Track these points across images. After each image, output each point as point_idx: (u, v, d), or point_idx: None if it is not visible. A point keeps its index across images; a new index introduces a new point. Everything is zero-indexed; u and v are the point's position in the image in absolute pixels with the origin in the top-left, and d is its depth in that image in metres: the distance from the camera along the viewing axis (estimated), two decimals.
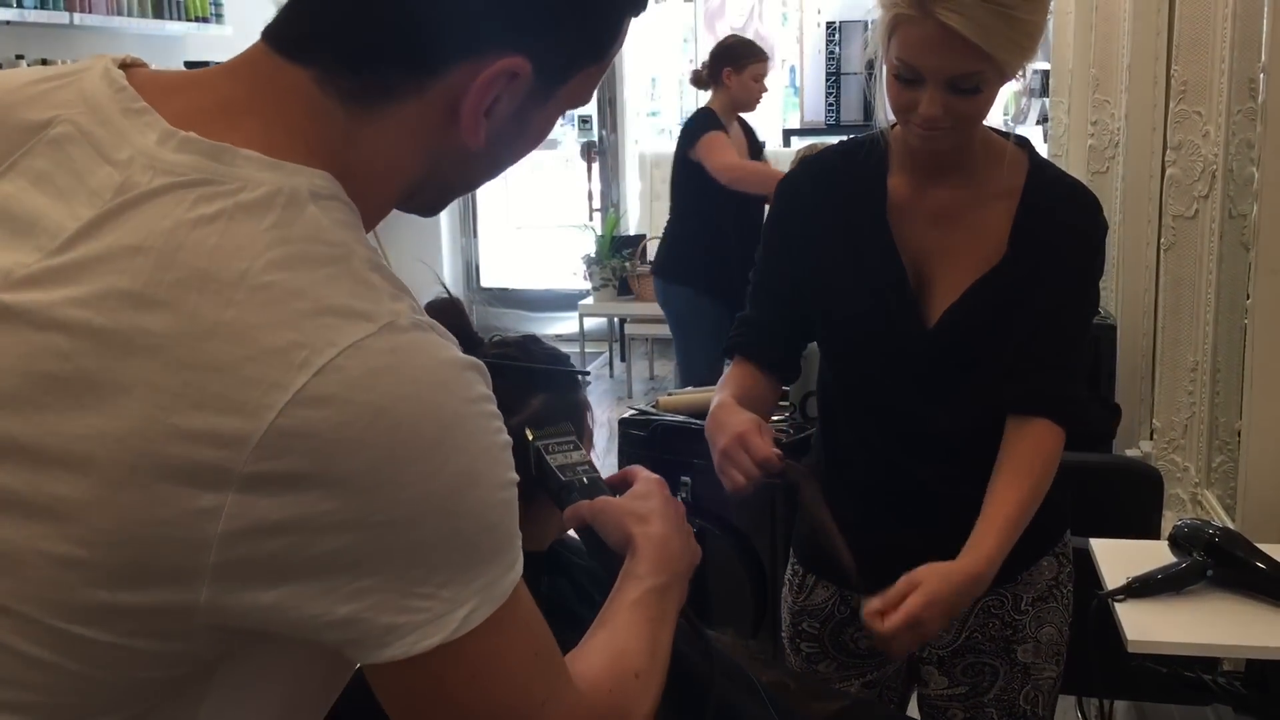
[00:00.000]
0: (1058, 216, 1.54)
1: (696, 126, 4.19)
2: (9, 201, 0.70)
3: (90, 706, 0.69)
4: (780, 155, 7.06)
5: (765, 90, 4.27)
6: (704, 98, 4.35)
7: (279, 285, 0.66)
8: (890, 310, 1.54)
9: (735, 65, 4.14)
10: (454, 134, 0.75)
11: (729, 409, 1.50)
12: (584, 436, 1.19)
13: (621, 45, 0.81)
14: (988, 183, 1.55)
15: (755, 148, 4.36)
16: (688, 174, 4.16)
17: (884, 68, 1.48)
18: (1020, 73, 1.44)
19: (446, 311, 1.19)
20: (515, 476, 0.72)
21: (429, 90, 0.73)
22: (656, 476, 1.06)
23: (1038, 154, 1.60)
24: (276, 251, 0.67)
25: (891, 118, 1.52)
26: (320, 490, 0.64)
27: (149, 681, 0.70)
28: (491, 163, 0.81)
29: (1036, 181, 1.55)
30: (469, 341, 1.19)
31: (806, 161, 1.66)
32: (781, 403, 2.66)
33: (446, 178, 0.80)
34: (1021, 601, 1.63)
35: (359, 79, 0.72)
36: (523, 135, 0.80)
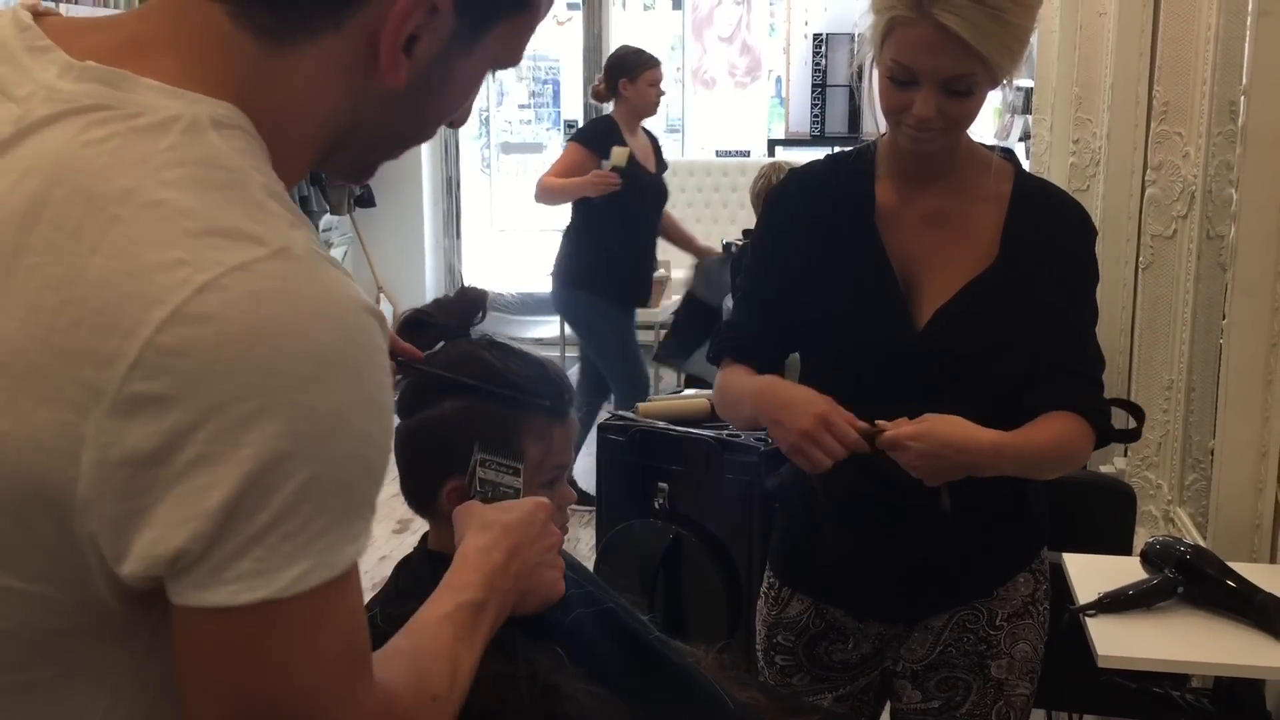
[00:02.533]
0: (1048, 221, 1.56)
1: (579, 130, 4.39)
2: None
3: (7, 660, 0.68)
4: (764, 165, 7.09)
5: (663, 94, 4.31)
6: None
7: (168, 204, 0.64)
8: (879, 314, 1.56)
9: (630, 75, 4.20)
10: (375, 77, 0.73)
11: (784, 386, 1.51)
12: (559, 445, 1.18)
13: (549, 5, 0.79)
14: (974, 188, 1.57)
15: (660, 155, 4.40)
16: None
17: (874, 75, 1.50)
18: (1006, 81, 1.46)
19: (468, 297, 1.19)
20: (388, 445, 0.70)
21: (346, 24, 0.71)
22: (540, 500, 1.04)
23: (1021, 165, 1.63)
24: (169, 173, 0.65)
25: (882, 126, 1.54)
26: (192, 415, 0.61)
27: (58, 635, 0.67)
28: (416, 114, 0.78)
29: (1023, 188, 1.58)
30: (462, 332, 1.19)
31: (794, 171, 1.68)
32: None
33: (370, 130, 0.77)
34: (996, 617, 1.63)
35: (274, 12, 0.70)
36: (447, 84, 0.77)
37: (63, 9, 4.48)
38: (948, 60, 1.41)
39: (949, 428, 1.43)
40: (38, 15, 0.73)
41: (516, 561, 0.97)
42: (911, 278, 1.56)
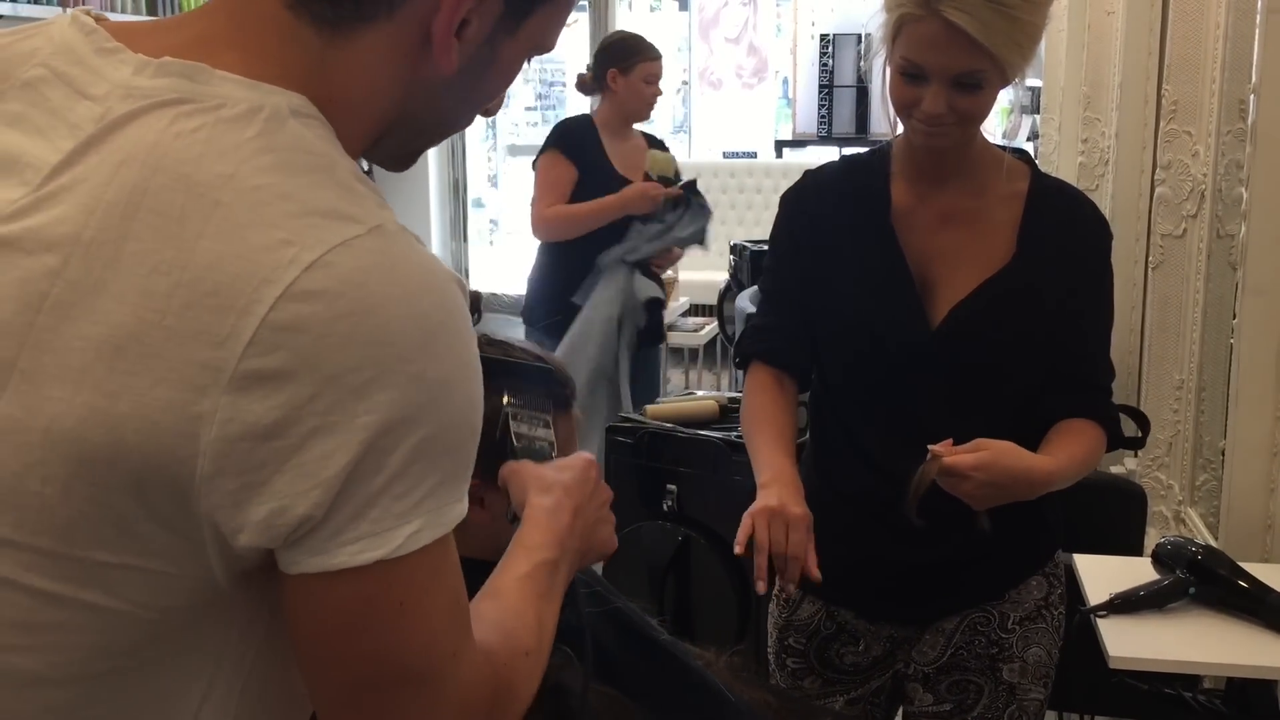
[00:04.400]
0: (1065, 222, 1.57)
1: (551, 134, 3.45)
2: None
3: (112, 645, 0.69)
4: (772, 167, 7.09)
5: (659, 94, 3.48)
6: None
7: (266, 188, 0.66)
8: (894, 313, 1.56)
9: (621, 65, 3.39)
10: (427, 61, 0.75)
11: (777, 479, 1.48)
12: (564, 436, 1.18)
13: None
14: (990, 187, 1.57)
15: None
16: None
17: (886, 72, 1.51)
18: (1018, 79, 1.47)
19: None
20: (483, 407, 0.72)
21: (399, 10, 0.73)
22: (590, 458, 1.04)
23: (1036, 165, 1.63)
24: (262, 159, 0.67)
25: (898, 127, 1.54)
26: (309, 388, 0.64)
27: (171, 612, 0.69)
28: (462, 98, 0.81)
29: (1040, 187, 1.58)
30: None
31: (810, 172, 1.69)
32: None
33: (418, 115, 0.79)
34: (1009, 620, 1.63)
35: (329, 1, 0.72)
36: (491, 67, 0.79)
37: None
38: (956, 57, 1.41)
39: (1011, 460, 1.43)
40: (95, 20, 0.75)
41: (580, 520, 0.98)
42: (927, 276, 1.56)
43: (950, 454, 1.41)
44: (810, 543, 1.43)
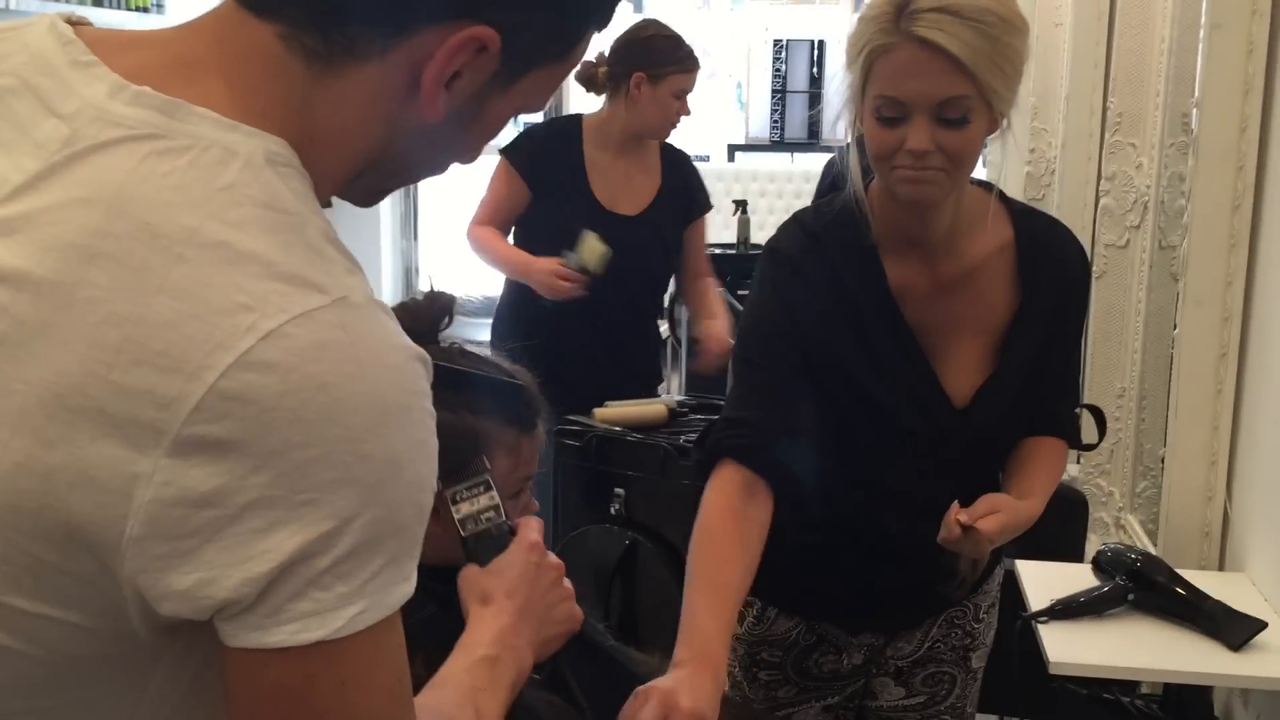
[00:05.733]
0: (1056, 264, 1.52)
1: (516, 136, 2.87)
2: None
3: (26, 686, 0.68)
4: (724, 171, 7.11)
5: (687, 113, 2.80)
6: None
7: (231, 246, 0.64)
8: (915, 394, 1.49)
9: (652, 72, 2.72)
10: (413, 106, 0.73)
11: (692, 598, 1.31)
12: (528, 454, 1.18)
13: (582, 54, 0.81)
14: (978, 244, 1.49)
15: (671, 195, 2.90)
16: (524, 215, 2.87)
17: (852, 134, 1.42)
18: (1005, 121, 1.38)
19: (437, 302, 1.18)
20: (435, 488, 0.71)
21: (392, 52, 0.71)
22: (528, 539, 1.05)
23: (1009, 198, 1.56)
24: (231, 213, 0.65)
25: (860, 193, 1.46)
26: (252, 460, 0.62)
27: (87, 660, 0.68)
28: (443, 146, 0.79)
29: (1028, 233, 1.51)
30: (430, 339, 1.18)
31: (790, 250, 1.51)
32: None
33: (397, 158, 0.77)
34: (979, 610, 1.66)
35: (324, 35, 0.70)
36: (478, 122, 0.78)
37: (11, 2, 4.41)
38: (935, 81, 1.31)
39: (1013, 516, 1.41)
40: (73, 25, 0.72)
41: (526, 619, 1.00)
42: (936, 350, 1.49)
43: (975, 521, 1.37)
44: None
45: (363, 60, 0.71)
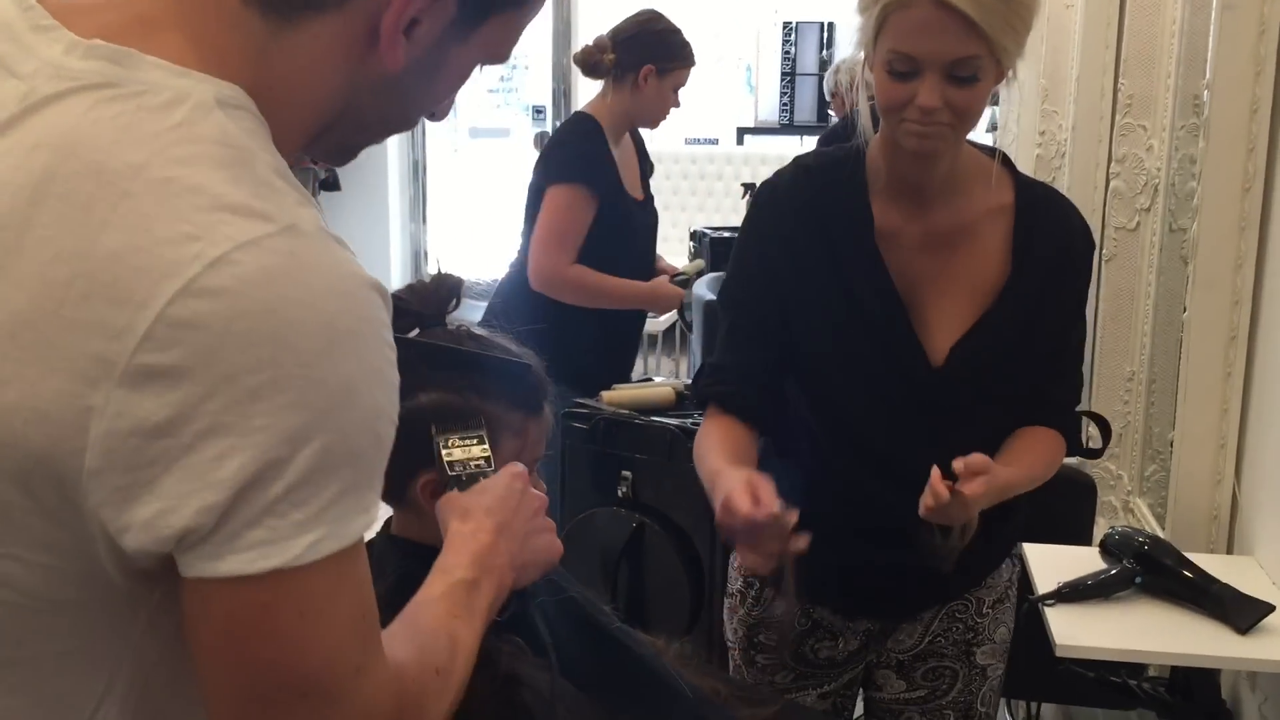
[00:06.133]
0: (1055, 235, 1.50)
1: (570, 158, 2.82)
2: None
3: (10, 634, 0.68)
4: (733, 154, 7.09)
5: (678, 106, 2.93)
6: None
7: (178, 180, 0.65)
8: (890, 349, 1.47)
9: (660, 65, 2.83)
10: (373, 57, 0.74)
11: (723, 477, 1.35)
12: (534, 437, 1.18)
13: (541, 3, 0.81)
14: (976, 201, 1.49)
15: (646, 171, 3.02)
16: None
17: (862, 84, 1.43)
18: (1011, 73, 1.39)
19: (445, 285, 1.18)
20: (395, 416, 0.71)
21: (350, 2, 0.72)
22: (513, 469, 1.04)
23: (1015, 167, 1.56)
24: (178, 150, 0.65)
25: (865, 133, 1.47)
26: (203, 387, 0.62)
27: (62, 605, 0.68)
28: (407, 99, 0.80)
29: (1028, 199, 1.51)
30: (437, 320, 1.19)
31: (781, 182, 1.53)
32: None
33: (362, 111, 0.78)
34: (983, 605, 1.65)
35: None
36: (439, 71, 0.78)
37: None
38: (949, 42, 1.32)
39: (999, 481, 1.39)
40: None
41: (505, 539, 0.98)
42: (918, 304, 1.47)
43: (967, 487, 1.35)
44: (761, 489, 1.28)
45: (320, 11, 0.72)
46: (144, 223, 0.63)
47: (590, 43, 2.87)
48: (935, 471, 1.36)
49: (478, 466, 1.06)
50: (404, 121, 0.83)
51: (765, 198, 1.54)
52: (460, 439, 1.08)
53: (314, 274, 0.66)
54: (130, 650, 0.71)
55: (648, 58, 2.81)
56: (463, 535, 0.97)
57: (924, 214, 1.48)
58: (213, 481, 0.63)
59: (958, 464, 1.35)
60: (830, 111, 5.28)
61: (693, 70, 2.92)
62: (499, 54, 0.81)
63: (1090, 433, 1.71)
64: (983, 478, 1.35)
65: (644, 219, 2.95)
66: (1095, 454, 1.70)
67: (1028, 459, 1.49)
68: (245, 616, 0.66)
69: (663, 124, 2.96)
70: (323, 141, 0.80)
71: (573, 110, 4.56)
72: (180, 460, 0.63)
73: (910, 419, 1.50)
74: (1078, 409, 1.62)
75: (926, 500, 1.35)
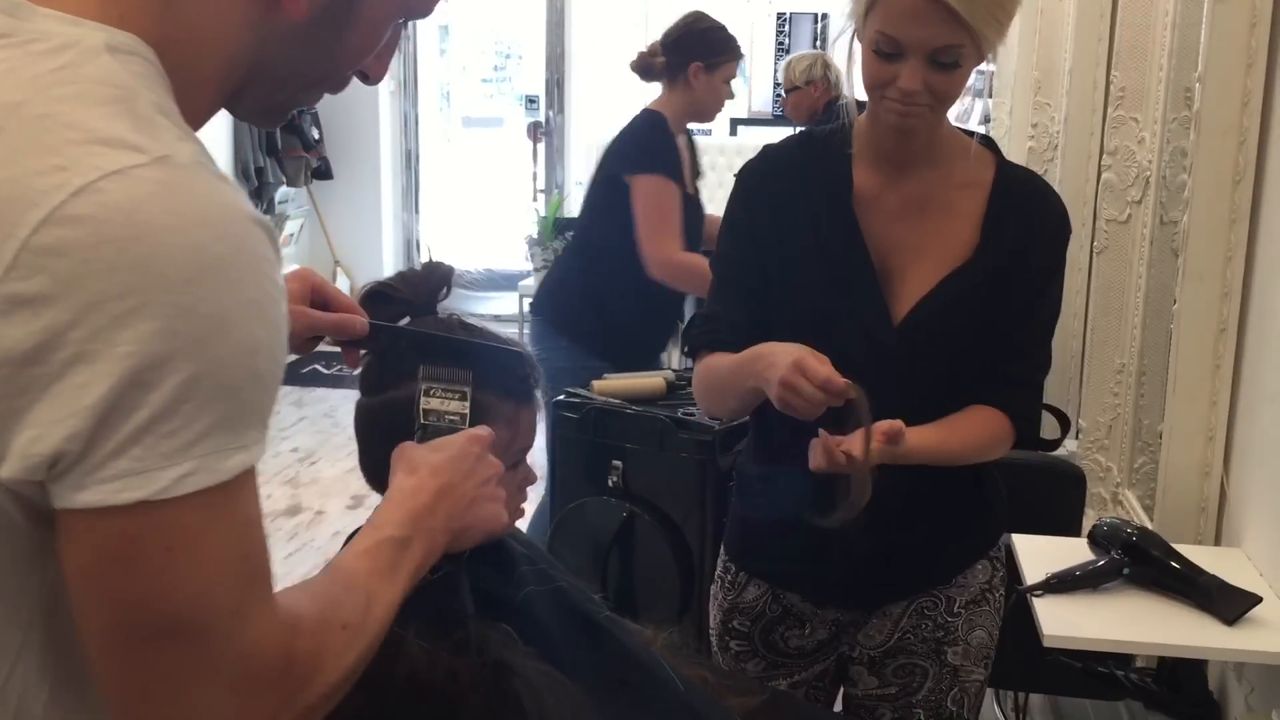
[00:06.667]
0: (1028, 214, 1.54)
1: (647, 149, 2.97)
2: None
3: None
4: (726, 145, 7.08)
5: (732, 96, 3.18)
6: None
7: (53, 117, 0.65)
8: (858, 307, 1.52)
9: (709, 61, 3.04)
10: (278, 8, 0.74)
11: (768, 346, 1.43)
12: (525, 425, 1.18)
13: None
14: (954, 174, 1.54)
15: (696, 169, 3.18)
16: (619, 200, 2.95)
17: (852, 52, 1.47)
18: (990, 57, 1.44)
19: (436, 273, 1.18)
20: (280, 356, 0.70)
21: None
22: (476, 432, 1.03)
23: (999, 149, 1.61)
24: (58, 90, 0.66)
25: (862, 97, 1.51)
26: (68, 314, 0.62)
27: None
28: (322, 53, 0.79)
29: (1005, 177, 1.56)
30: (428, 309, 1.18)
31: (769, 150, 1.63)
32: None
33: (276, 68, 0.78)
34: (955, 604, 1.65)
35: None
36: (351, 22, 0.78)
37: None
38: (935, 30, 1.38)
39: (908, 444, 1.43)
40: None
41: (446, 500, 0.96)
42: (890, 267, 1.53)
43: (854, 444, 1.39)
44: (823, 359, 1.37)
45: None
46: (15, 156, 0.64)
47: (644, 48, 3.12)
48: (822, 433, 1.41)
49: (450, 421, 1.06)
50: (326, 78, 0.82)
51: (757, 161, 1.61)
52: (444, 389, 1.07)
53: (185, 202, 0.65)
54: (42, 605, 0.70)
55: (694, 55, 3.02)
56: (403, 491, 0.95)
57: (902, 181, 1.54)
58: (78, 409, 0.63)
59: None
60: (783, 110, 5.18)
61: (739, 59, 3.12)
62: (416, 9, 0.80)
63: (1050, 423, 1.70)
64: (883, 437, 1.39)
65: (696, 214, 3.08)
66: (1052, 445, 1.69)
67: (960, 434, 1.51)
68: (110, 549, 0.65)
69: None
70: (246, 100, 0.79)
71: (568, 100, 4.66)
72: (50, 388, 0.63)
73: (871, 379, 1.51)
74: (1038, 398, 1.61)
75: (815, 459, 1.41)
